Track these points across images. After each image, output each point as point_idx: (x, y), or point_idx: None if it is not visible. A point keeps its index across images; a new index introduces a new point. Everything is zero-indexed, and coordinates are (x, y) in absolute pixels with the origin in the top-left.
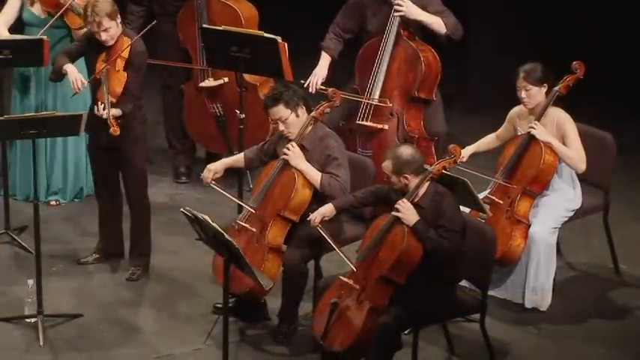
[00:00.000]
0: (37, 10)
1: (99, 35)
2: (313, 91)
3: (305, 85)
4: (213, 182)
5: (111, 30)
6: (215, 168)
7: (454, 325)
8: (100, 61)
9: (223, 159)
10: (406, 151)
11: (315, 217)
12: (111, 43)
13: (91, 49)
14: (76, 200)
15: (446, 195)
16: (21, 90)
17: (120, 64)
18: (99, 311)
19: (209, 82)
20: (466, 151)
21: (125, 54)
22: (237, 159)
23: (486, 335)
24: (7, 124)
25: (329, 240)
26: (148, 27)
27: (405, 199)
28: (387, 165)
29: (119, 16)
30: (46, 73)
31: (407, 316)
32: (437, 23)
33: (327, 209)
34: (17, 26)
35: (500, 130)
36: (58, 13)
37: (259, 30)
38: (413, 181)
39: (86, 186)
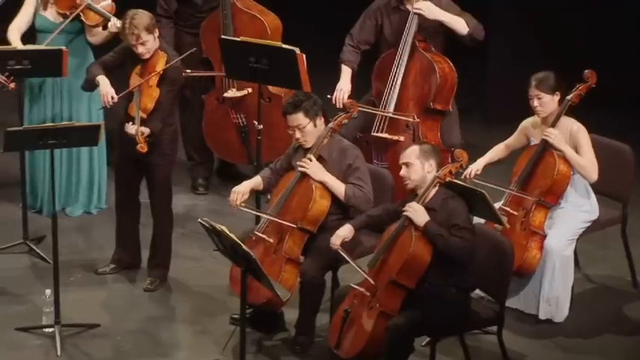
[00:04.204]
0: (51, 14)
1: (136, 48)
2: (340, 106)
3: (333, 102)
4: (243, 204)
5: (148, 43)
6: (241, 190)
7: (471, 336)
8: (134, 74)
9: (245, 181)
10: (426, 142)
11: (335, 239)
12: (147, 56)
13: (127, 61)
14: (94, 212)
15: (454, 197)
16: (34, 100)
17: (154, 79)
18: (116, 321)
19: (233, 93)
20: (480, 164)
21: (160, 70)
22: (258, 181)
23: (504, 348)
24: (27, 135)
25: (350, 261)
26: (189, 52)
27: (415, 202)
28: (412, 150)
29: (157, 30)
30: (60, 84)
31: (418, 319)
32: (459, 23)
33: (347, 231)
34: (29, 33)
35: (509, 139)
36: (71, 16)
37: (282, 42)
38: (429, 177)
39: (99, 200)
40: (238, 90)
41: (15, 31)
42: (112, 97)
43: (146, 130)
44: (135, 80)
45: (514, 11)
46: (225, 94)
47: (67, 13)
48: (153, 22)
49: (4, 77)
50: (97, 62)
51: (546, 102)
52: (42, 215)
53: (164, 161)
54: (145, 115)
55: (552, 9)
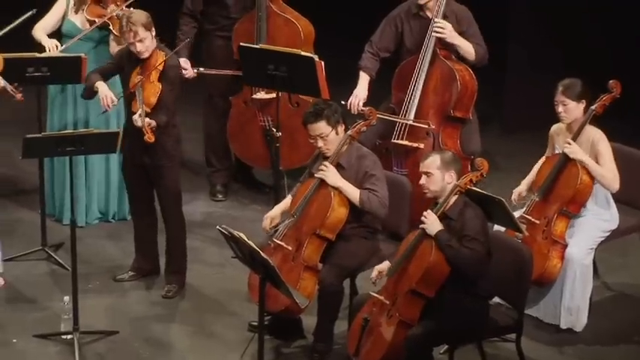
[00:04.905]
0: (79, 20)
1: (134, 46)
2: (355, 112)
3: (348, 108)
4: (273, 228)
5: (146, 41)
6: (272, 215)
7: (490, 344)
8: (134, 75)
9: (277, 205)
10: (447, 151)
11: (373, 274)
12: (146, 55)
13: (125, 65)
14: (113, 221)
15: (472, 206)
16: (57, 106)
17: (154, 75)
18: (134, 328)
19: (261, 95)
20: (523, 187)
21: (160, 66)
22: (288, 202)
23: (522, 355)
24: (45, 142)
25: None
26: (181, 45)
27: (430, 211)
28: (433, 160)
29: (153, 29)
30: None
31: (437, 329)
32: (468, 51)
33: (384, 266)
34: (54, 38)
35: (547, 152)
36: (98, 23)
37: (314, 48)
38: (449, 187)
39: (120, 209)
40: (267, 92)
41: (40, 30)
42: (112, 100)
43: (152, 122)
44: (135, 80)
45: (532, 19)
46: (254, 96)
47: (96, 20)
48: (149, 20)
49: (12, 87)
50: (94, 71)
51: (571, 109)
52: (62, 223)
53: (170, 163)
54: (149, 110)
55: (570, 17)
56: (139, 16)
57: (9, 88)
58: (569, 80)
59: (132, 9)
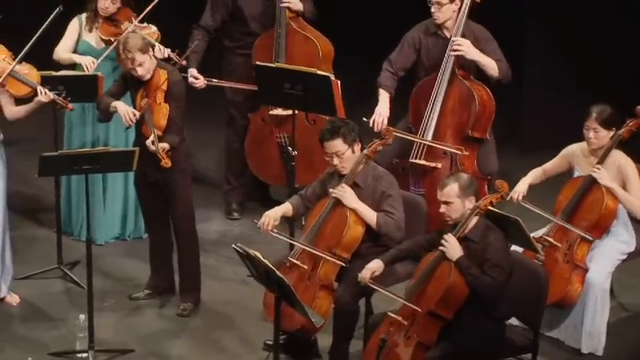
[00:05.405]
0: (94, 39)
1: (134, 71)
2: (378, 130)
3: (370, 125)
4: (275, 231)
5: (145, 64)
6: (272, 215)
7: None
8: (139, 98)
9: (276, 207)
10: (463, 174)
11: (365, 274)
12: (147, 77)
13: (130, 86)
14: (129, 239)
15: (494, 229)
16: (77, 125)
17: (160, 96)
18: (149, 347)
19: (279, 111)
20: (524, 187)
21: (164, 86)
22: (288, 208)
23: None
24: (61, 160)
25: (385, 292)
26: (184, 55)
27: (450, 234)
28: (452, 188)
29: (151, 49)
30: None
31: (455, 352)
32: (491, 67)
33: (376, 265)
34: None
35: (548, 164)
36: (115, 42)
37: (333, 67)
38: (469, 210)
39: (136, 227)
40: (284, 109)
41: (64, 52)
42: (135, 114)
43: (166, 146)
44: (142, 102)
45: (549, 40)
46: (271, 112)
47: (112, 39)
48: (145, 42)
49: (61, 98)
50: (104, 94)
51: (602, 136)
52: (78, 241)
53: (181, 175)
54: (160, 133)
55: (587, 38)
56: (135, 41)
57: (58, 99)
58: (602, 107)
59: (145, 24)
